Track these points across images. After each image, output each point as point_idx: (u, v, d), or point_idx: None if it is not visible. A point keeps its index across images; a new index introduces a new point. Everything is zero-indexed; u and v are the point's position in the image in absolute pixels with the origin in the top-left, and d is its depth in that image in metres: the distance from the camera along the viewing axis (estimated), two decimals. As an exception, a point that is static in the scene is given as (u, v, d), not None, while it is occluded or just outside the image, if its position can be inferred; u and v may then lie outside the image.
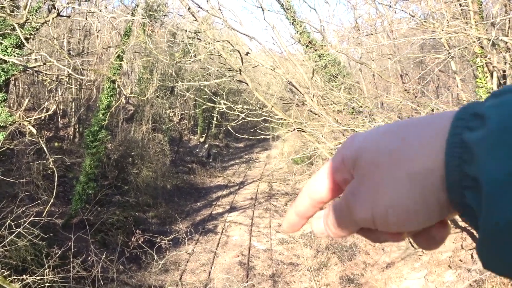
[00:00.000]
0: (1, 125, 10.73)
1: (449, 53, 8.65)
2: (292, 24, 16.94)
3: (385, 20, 12.62)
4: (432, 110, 8.94)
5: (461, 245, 11.55)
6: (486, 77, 9.06)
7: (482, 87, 9.03)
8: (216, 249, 16.46)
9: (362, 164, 0.41)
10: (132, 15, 15.33)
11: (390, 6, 10.22)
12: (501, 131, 0.32)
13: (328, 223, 0.46)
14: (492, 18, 8.52)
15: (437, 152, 0.36)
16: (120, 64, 18.08)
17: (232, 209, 22.10)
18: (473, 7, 7.97)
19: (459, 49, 8.86)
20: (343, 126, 9.96)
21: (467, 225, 11.81)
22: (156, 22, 18.86)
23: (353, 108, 13.91)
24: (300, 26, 16.81)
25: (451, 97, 16.42)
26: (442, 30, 7.36)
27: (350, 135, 0.45)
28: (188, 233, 14.63)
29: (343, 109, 14.36)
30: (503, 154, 0.31)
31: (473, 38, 7.28)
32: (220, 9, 13.07)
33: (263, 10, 13.81)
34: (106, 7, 15.66)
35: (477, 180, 0.33)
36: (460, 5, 8.05)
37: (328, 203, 0.47)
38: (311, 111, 13.77)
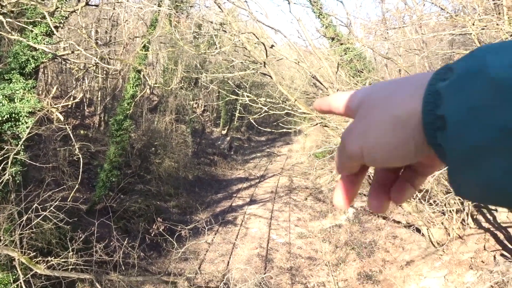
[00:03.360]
0: (30, 111, 11.05)
1: (479, 49, 8.37)
2: (318, 17, 16.73)
3: (414, 14, 12.33)
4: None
5: (484, 246, 11.28)
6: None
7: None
8: (235, 240, 16.58)
9: (363, 106, 0.51)
10: (159, 5, 15.45)
11: None
12: (463, 75, 0.39)
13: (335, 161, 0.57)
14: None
15: (418, 100, 0.43)
16: (146, 54, 18.29)
17: (252, 201, 22.18)
18: (506, 1, 7.69)
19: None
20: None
21: (489, 225, 11.53)
22: (182, 13, 18.98)
23: (377, 103, 13.68)
24: (326, 20, 16.59)
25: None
26: (473, 25, 7.14)
27: (356, 90, 0.56)
28: (208, 224, 14.77)
29: (367, 104, 14.12)
30: (464, 93, 0.38)
31: (505, 34, 7.04)
32: (246, 1, 13.03)
33: (289, 3, 13.69)
34: (133, -2, 15.88)
35: (445, 119, 0.40)
36: (493, -1, 7.79)
37: None
38: (334, 106, 13.61)
